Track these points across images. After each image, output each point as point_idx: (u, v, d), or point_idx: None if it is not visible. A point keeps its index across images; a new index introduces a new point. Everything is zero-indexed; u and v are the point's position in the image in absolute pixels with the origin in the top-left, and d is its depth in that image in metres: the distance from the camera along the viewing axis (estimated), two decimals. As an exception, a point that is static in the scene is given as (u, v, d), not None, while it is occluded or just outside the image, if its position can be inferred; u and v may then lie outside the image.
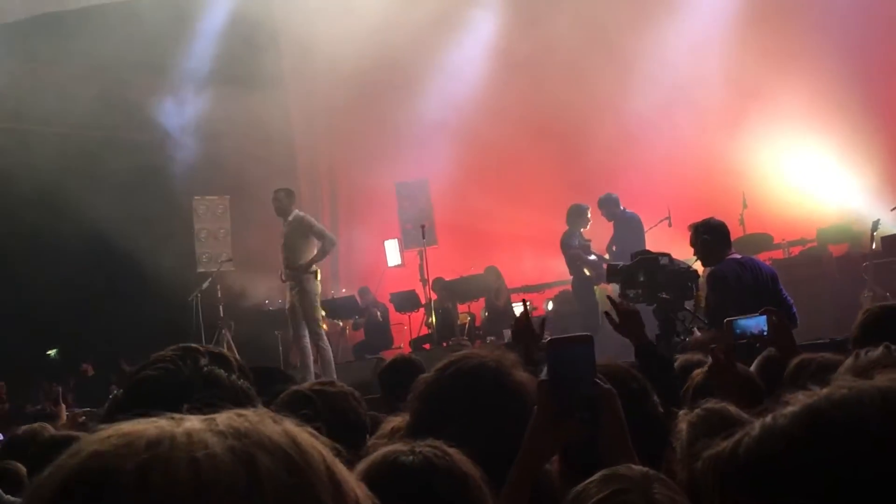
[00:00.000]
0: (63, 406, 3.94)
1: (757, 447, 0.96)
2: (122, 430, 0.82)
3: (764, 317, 4.01)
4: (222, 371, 1.89)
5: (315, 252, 11.18)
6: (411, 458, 1.81)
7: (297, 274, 11.09)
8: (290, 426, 0.86)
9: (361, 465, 1.84)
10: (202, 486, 0.78)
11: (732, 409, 2.81)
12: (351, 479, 0.88)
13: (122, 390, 1.92)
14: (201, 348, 1.95)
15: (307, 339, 11.22)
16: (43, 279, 13.03)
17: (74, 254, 13.59)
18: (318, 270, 11.47)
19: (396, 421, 2.71)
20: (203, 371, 1.87)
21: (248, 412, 0.86)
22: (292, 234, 11.19)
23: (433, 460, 1.81)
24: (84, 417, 6.67)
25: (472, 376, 2.33)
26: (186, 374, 1.86)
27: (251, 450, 0.81)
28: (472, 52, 15.01)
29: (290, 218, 11.25)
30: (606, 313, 4.50)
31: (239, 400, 1.83)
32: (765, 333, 3.98)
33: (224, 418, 0.84)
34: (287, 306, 11.59)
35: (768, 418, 0.98)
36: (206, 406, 0.96)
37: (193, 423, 0.83)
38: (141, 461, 0.78)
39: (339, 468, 0.86)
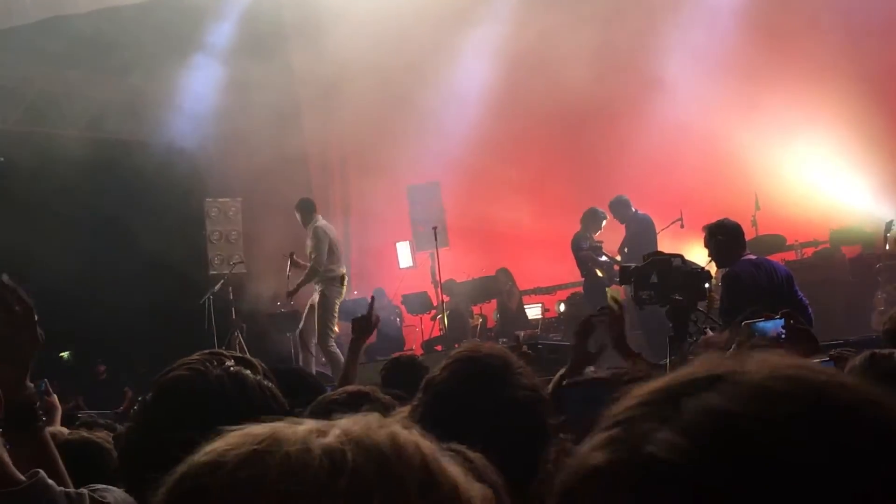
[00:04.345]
0: (55, 397, 3.83)
1: None
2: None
3: (782, 320, 3.97)
4: (249, 372, 1.97)
5: (328, 257, 11.62)
6: None
7: (321, 278, 11.60)
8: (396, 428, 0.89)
9: None
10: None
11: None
12: (455, 481, 0.88)
13: (150, 394, 1.98)
14: (226, 353, 2.03)
15: (316, 345, 11.56)
16: (55, 280, 13.05)
17: (85, 254, 13.60)
18: (344, 275, 11.96)
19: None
20: (230, 371, 1.95)
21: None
22: (310, 242, 11.67)
23: None
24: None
25: (478, 367, 2.35)
26: (215, 374, 1.93)
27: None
28: (483, 54, 14.98)
29: (310, 227, 11.72)
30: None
31: (266, 400, 1.92)
32: (783, 336, 3.94)
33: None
34: (309, 304, 11.95)
35: None
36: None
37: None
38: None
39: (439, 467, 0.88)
